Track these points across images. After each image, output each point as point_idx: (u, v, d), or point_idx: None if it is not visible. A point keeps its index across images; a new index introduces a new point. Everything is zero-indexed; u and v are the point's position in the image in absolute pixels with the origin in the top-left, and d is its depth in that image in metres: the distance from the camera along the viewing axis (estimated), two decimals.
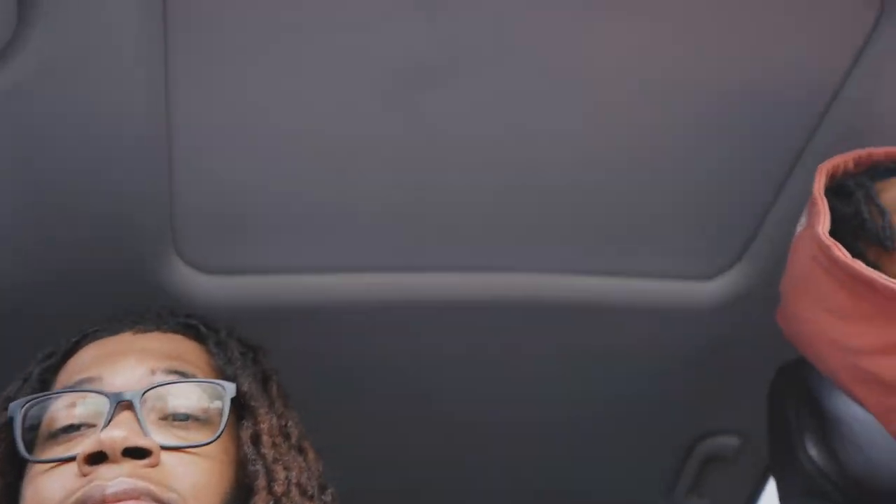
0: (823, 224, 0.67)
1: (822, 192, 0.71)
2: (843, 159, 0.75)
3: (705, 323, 1.09)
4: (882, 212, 0.69)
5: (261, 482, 0.55)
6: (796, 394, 0.88)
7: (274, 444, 0.59)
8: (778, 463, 0.89)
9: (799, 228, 0.75)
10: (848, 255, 0.64)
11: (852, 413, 0.83)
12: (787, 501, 0.87)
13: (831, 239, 0.65)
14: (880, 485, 0.78)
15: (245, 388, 0.61)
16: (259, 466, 0.56)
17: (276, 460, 0.57)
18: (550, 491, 1.39)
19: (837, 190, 0.73)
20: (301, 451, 0.62)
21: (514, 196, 0.91)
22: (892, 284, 0.60)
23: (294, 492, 0.56)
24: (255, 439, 0.58)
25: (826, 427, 0.82)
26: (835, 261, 0.64)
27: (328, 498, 0.61)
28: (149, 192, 0.79)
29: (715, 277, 1.07)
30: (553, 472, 1.35)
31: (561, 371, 1.15)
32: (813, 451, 0.82)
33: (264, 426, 0.59)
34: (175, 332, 0.68)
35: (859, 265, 0.63)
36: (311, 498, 0.58)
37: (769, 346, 1.17)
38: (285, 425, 0.63)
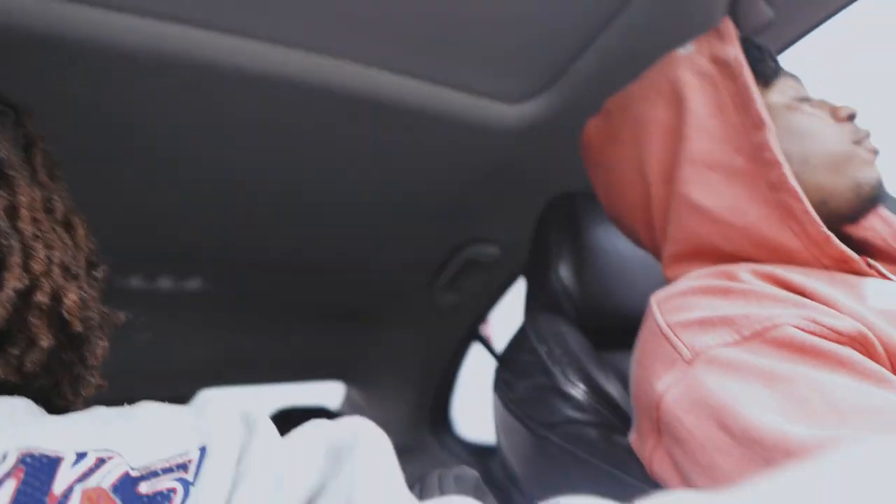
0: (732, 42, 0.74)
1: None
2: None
3: (502, 143, 1.13)
4: (770, 55, 0.76)
5: (15, 259, 0.48)
6: (561, 224, 0.97)
7: (34, 220, 0.51)
8: (532, 279, 0.99)
9: (680, 51, 0.78)
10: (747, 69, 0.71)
11: (604, 246, 0.94)
12: (530, 311, 0.98)
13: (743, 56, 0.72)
14: (607, 307, 0.91)
15: (2, 154, 0.50)
16: (14, 242, 0.48)
17: (35, 237, 0.50)
18: (330, 260, 1.45)
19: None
20: (68, 227, 0.55)
21: None
22: (756, 101, 0.67)
23: (56, 272, 0.50)
24: (12, 212, 0.50)
25: (579, 256, 0.92)
26: (734, 75, 0.70)
27: (99, 275, 0.55)
28: None
29: (520, 102, 1.09)
30: (337, 246, 1.39)
31: (357, 160, 1.14)
32: (563, 274, 0.92)
33: (23, 198, 0.51)
34: None
35: (749, 81, 0.69)
36: (76, 277, 0.52)
37: (552, 176, 1.27)
38: (50, 198, 0.54)
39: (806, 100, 0.73)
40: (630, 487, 0.64)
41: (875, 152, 0.70)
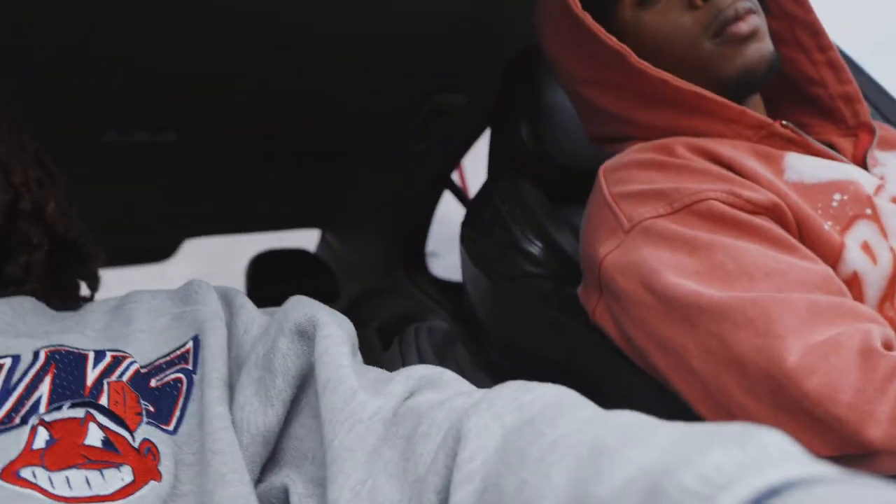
0: None
1: None
2: None
3: None
4: None
5: None
6: (523, 80, 0.99)
7: (7, 142, 0.57)
8: (496, 133, 1.04)
9: None
10: (577, 5, 0.70)
11: (563, 104, 0.98)
12: (493, 166, 1.04)
13: None
14: (564, 164, 0.96)
15: None
16: None
17: (9, 154, 0.56)
18: (303, 107, 1.46)
19: None
20: (39, 162, 0.61)
21: None
22: (606, 38, 0.68)
23: (33, 186, 0.57)
24: None
25: (539, 113, 0.96)
26: (568, 8, 0.70)
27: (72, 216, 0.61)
28: None
29: None
30: (309, 92, 1.40)
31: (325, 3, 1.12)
32: (524, 130, 0.97)
33: None
34: None
35: (585, 17, 0.69)
36: (53, 191, 0.59)
37: (519, 28, 1.26)
38: (20, 138, 0.59)
39: None
40: (577, 333, 0.74)
41: (738, 36, 0.67)
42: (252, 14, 1.11)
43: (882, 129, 0.78)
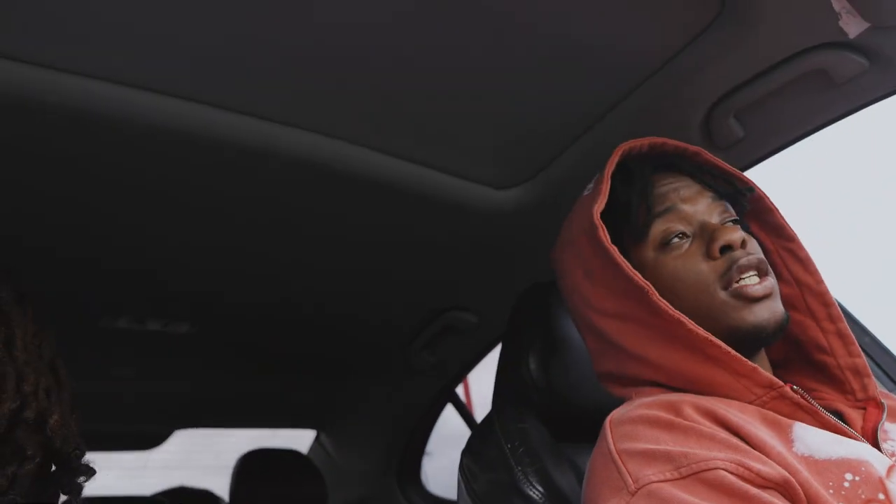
0: (599, 204, 0.76)
1: (610, 172, 0.79)
2: (639, 142, 0.82)
3: (486, 224, 1.19)
4: (648, 209, 0.77)
5: (10, 383, 0.56)
6: (533, 315, 1.02)
7: (27, 350, 0.59)
8: (503, 365, 1.04)
9: (585, 192, 0.84)
10: (608, 238, 0.74)
11: (573, 340, 0.99)
12: (499, 397, 1.03)
13: (600, 221, 0.75)
14: (571, 401, 0.96)
15: (2, 293, 0.58)
16: (10, 368, 0.56)
17: (26, 363, 0.58)
18: (312, 316, 1.50)
19: (625, 173, 0.81)
20: (53, 369, 0.63)
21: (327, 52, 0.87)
22: (630, 273, 0.71)
23: (42, 395, 0.58)
24: (8, 343, 0.58)
25: (548, 349, 0.97)
26: (598, 240, 0.74)
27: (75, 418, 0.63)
28: None
29: (505, 189, 1.16)
30: (320, 304, 1.44)
31: (346, 233, 1.19)
32: (532, 365, 0.97)
33: (19, 331, 0.59)
34: None
35: (613, 250, 0.73)
36: (59, 403, 0.60)
37: (532, 259, 1.33)
38: (39, 344, 0.62)
39: (678, 235, 0.75)
40: None
41: (748, 297, 0.69)
42: (274, 247, 1.19)
43: (888, 399, 0.78)
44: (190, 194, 1.03)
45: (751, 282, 0.71)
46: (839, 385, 0.78)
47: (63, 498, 0.61)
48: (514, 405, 0.94)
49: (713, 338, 0.67)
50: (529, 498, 0.78)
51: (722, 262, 0.72)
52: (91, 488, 0.64)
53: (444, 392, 1.77)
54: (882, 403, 0.74)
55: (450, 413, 1.92)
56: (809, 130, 1.01)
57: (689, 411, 0.65)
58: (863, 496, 0.59)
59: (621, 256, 0.73)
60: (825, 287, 0.81)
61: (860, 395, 0.76)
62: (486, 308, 1.49)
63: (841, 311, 0.80)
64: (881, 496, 0.59)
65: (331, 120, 0.98)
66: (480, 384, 1.69)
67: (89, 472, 0.61)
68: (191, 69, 0.84)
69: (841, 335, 0.79)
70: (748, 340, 0.71)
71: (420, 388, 1.77)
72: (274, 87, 0.90)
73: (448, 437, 1.88)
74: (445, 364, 1.68)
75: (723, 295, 0.71)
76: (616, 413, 0.70)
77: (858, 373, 0.77)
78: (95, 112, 0.84)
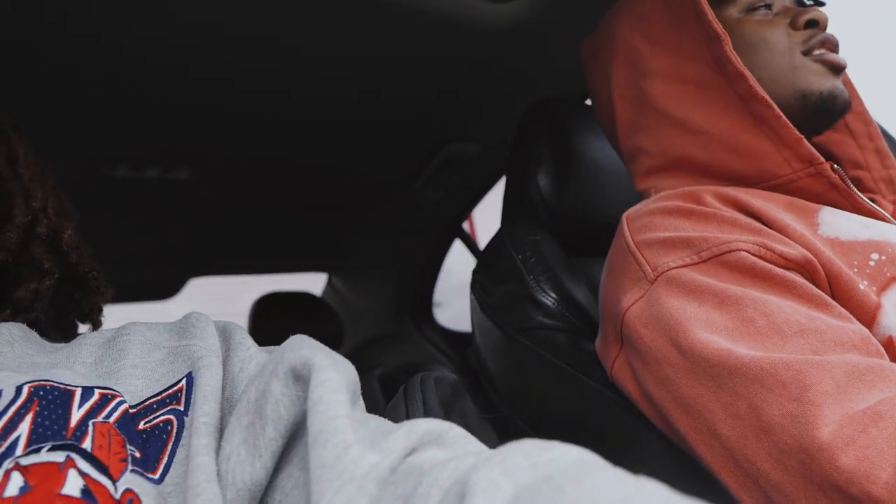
0: None
1: None
2: None
3: (486, 43, 1.12)
4: None
5: (18, 198, 0.54)
6: (541, 130, 0.97)
7: (30, 168, 0.57)
8: (511, 183, 1.01)
9: None
10: None
11: (582, 156, 0.96)
12: (508, 215, 1.01)
13: None
14: (582, 217, 0.94)
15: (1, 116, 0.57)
16: (16, 186, 0.55)
17: (32, 180, 0.56)
18: (314, 155, 1.46)
19: None
20: (58, 196, 0.61)
21: None
22: (712, 18, 0.67)
23: (51, 211, 0.56)
24: (12, 161, 0.56)
25: (557, 165, 0.94)
26: None
27: (85, 249, 0.60)
28: None
29: (501, 0, 1.07)
30: (321, 141, 1.40)
31: (340, 59, 1.12)
32: (542, 182, 0.94)
33: (20, 149, 0.57)
34: None
35: None
36: (70, 219, 0.58)
37: (534, 78, 1.26)
38: (42, 170, 0.60)
39: (765, 6, 0.73)
40: (592, 390, 0.70)
41: (830, 63, 0.70)
42: (270, 80, 1.11)
43: None
44: (182, 22, 0.96)
45: (835, 54, 0.70)
46: (871, 193, 0.80)
47: (84, 329, 0.61)
48: (524, 221, 0.92)
49: (769, 99, 0.65)
50: (543, 304, 0.78)
51: (807, 33, 0.70)
52: None
53: (451, 228, 1.76)
54: None
55: (456, 262, 1.93)
56: None
57: (710, 199, 0.62)
58: (888, 274, 0.57)
59: (705, 1, 0.69)
60: (865, 107, 0.82)
61: (890, 198, 0.78)
62: (488, 136, 1.44)
63: (879, 131, 0.82)
64: None
65: None
66: (486, 224, 1.69)
67: (108, 292, 0.60)
68: None
69: (879, 151, 0.80)
70: (813, 110, 0.69)
71: (427, 225, 1.77)
72: None
73: (457, 288, 1.90)
74: (451, 199, 1.66)
75: (803, 59, 0.70)
76: (633, 209, 0.68)
77: (892, 182, 0.78)
78: None
